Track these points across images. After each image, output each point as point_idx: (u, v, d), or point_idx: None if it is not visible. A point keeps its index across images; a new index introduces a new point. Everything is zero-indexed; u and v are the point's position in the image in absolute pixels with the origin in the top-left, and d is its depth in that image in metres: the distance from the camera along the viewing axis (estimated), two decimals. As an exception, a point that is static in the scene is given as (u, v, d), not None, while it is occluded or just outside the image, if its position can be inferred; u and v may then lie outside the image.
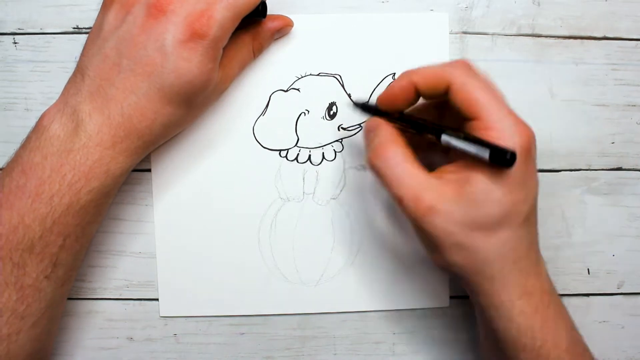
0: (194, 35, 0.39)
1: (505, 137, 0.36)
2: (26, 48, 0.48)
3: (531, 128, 0.38)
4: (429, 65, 0.40)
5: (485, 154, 0.35)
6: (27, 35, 0.47)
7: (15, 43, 0.47)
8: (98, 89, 0.40)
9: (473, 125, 0.38)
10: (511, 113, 0.38)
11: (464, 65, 0.39)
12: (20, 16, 0.47)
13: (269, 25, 0.46)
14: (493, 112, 0.37)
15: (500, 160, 0.35)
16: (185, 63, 0.39)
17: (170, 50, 0.39)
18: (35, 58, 0.48)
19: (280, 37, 0.47)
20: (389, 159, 0.39)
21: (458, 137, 0.37)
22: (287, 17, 0.46)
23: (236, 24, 0.41)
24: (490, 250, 0.38)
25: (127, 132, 0.40)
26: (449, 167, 0.39)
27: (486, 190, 0.37)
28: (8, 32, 0.47)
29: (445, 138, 0.38)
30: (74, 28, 0.48)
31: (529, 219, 0.39)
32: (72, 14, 0.47)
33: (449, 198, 0.37)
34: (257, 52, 0.46)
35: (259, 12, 0.43)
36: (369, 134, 0.42)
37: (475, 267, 0.39)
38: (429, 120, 0.42)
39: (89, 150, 0.39)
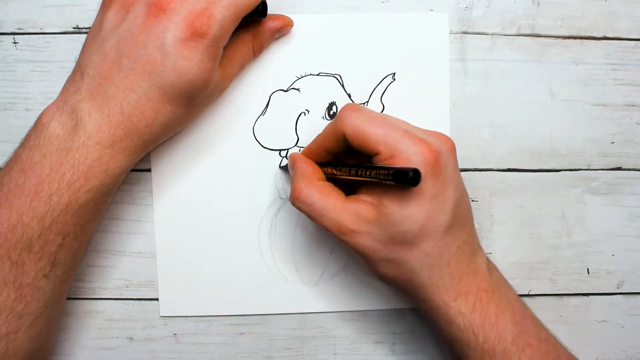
0: (194, 34, 0.39)
1: (408, 159, 0.38)
2: (26, 48, 0.47)
3: (441, 139, 0.41)
4: (319, 135, 0.44)
5: (389, 180, 0.37)
6: (27, 35, 0.47)
7: (15, 43, 0.47)
8: (98, 87, 0.40)
9: (377, 159, 0.39)
10: (407, 134, 0.39)
11: (350, 110, 0.41)
12: (20, 16, 0.47)
13: (269, 24, 0.45)
14: (388, 141, 0.39)
15: (405, 180, 0.36)
16: (186, 62, 0.39)
17: (171, 49, 0.39)
18: (35, 58, 0.47)
19: (280, 37, 0.47)
20: (306, 197, 0.41)
21: (366, 175, 0.39)
22: (287, 16, 0.46)
23: (236, 23, 0.41)
24: (415, 261, 0.40)
25: (126, 130, 0.40)
26: (364, 191, 0.41)
27: (399, 210, 0.39)
28: (8, 32, 0.47)
29: (358, 174, 0.40)
30: (74, 28, 0.47)
31: (453, 226, 0.40)
32: (72, 14, 0.47)
33: (368, 220, 0.40)
34: (257, 51, 0.46)
35: (260, 12, 0.43)
36: (290, 169, 0.45)
37: (405, 278, 0.41)
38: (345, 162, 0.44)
39: (88, 149, 0.39)
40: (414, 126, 0.41)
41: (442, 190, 0.39)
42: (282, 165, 0.48)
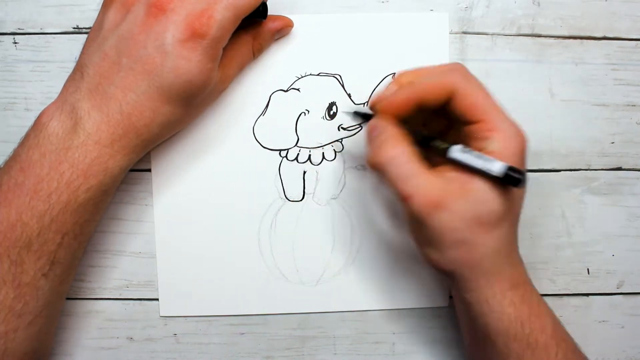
0: (194, 35, 0.39)
1: (508, 139, 0.38)
2: (26, 48, 0.47)
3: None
4: (427, 74, 0.41)
5: (498, 173, 0.37)
6: (27, 35, 0.47)
7: (15, 43, 0.47)
8: (97, 87, 0.40)
9: (474, 127, 0.39)
10: (508, 117, 0.39)
11: (462, 70, 0.40)
12: (20, 16, 0.47)
13: (269, 25, 0.45)
14: (495, 115, 0.39)
15: (512, 180, 0.36)
16: (185, 62, 0.39)
17: (170, 49, 0.39)
18: (35, 58, 0.47)
19: (280, 38, 0.47)
20: (395, 157, 0.39)
21: (468, 154, 0.38)
22: (287, 17, 0.46)
23: (236, 24, 0.41)
24: (489, 246, 0.39)
25: (125, 130, 0.40)
26: (448, 167, 0.40)
27: (488, 189, 0.38)
28: (8, 32, 0.47)
29: (454, 155, 0.39)
30: (74, 28, 0.47)
31: (519, 214, 0.41)
32: (72, 14, 0.47)
33: (454, 195, 0.38)
34: (257, 52, 0.46)
35: (260, 13, 0.43)
36: (373, 132, 0.42)
37: (473, 262, 0.39)
38: (424, 129, 0.43)
39: (88, 148, 0.39)
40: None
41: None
42: (358, 112, 0.45)
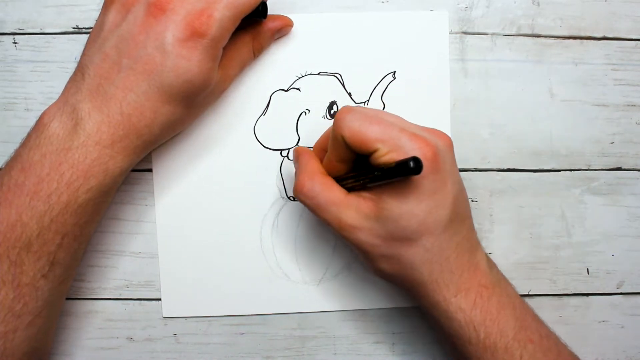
0: (194, 34, 0.39)
1: (406, 154, 0.37)
2: (26, 48, 0.47)
3: (437, 136, 0.40)
4: (320, 139, 0.44)
5: (395, 175, 0.37)
6: (27, 35, 0.47)
7: (15, 43, 0.47)
8: (98, 87, 0.40)
9: (376, 156, 0.38)
10: (404, 130, 0.38)
11: (341, 112, 0.40)
12: (20, 16, 0.47)
13: (269, 25, 0.45)
14: (385, 138, 0.38)
15: (408, 170, 0.36)
16: (185, 62, 0.39)
17: (170, 49, 0.38)
18: (35, 58, 0.47)
19: (280, 37, 0.47)
20: (309, 191, 0.41)
21: (375, 180, 0.38)
22: (287, 17, 0.46)
23: (236, 23, 0.41)
24: (415, 258, 0.40)
25: (126, 131, 0.39)
26: (364, 189, 0.41)
27: (398, 205, 0.38)
28: (8, 32, 0.47)
29: (369, 187, 0.40)
30: (74, 28, 0.47)
31: (452, 221, 0.40)
32: (72, 14, 0.47)
33: (368, 215, 0.39)
34: (258, 52, 0.46)
35: (260, 13, 0.43)
36: (295, 163, 0.45)
37: (405, 275, 0.40)
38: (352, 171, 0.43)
39: (88, 148, 0.39)
40: (410, 123, 0.41)
41: (441, 186, 0.39)
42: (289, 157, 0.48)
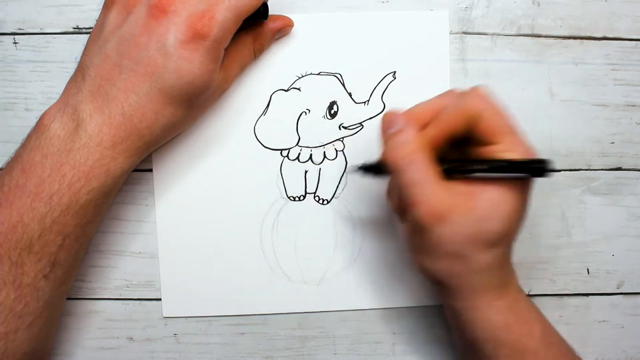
0: (196, 36, 0.38)
1: (524, 155, 0.38)
2: (26, 48, 0.47)
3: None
4: (443, 103, 0.41)
5: (524, 171, 0.37)
6: (27, 35, 0.47)
7: (15, 43, 0.47)
8: (99, 88, 0.39)
9: (490, 149, 0.39)
10: (525, 140, 0.39)
11: (483, 92, 0.39)
12: (20, 16, 0.47)
13: (269, 25, 0.45)
14: (512, 137, 0.39)
15: (538, 171, 0.36)
16: (187, 63, 0.39)
17: (172, 50, 0.38)
18: (35, 58, 0.47)
19: (281, 37, 0.47)
20: (413, 161, 0.38)
21: (496, 170, 0.38)
22: (287, 17, 0.46)
23: (238, 25, 0.41)
24: (483, 263, 0.39)
25: (127, 132, 0.39)
26: (458, 180, 0.39)
27: (495, 207, 0.38)
28: (8, 32, 0.47)
29: (473, 175, 0.39)
30: (74, 28, 0.47)
31: (517, 235, 0.40)
32: (72, 14, 0.47)
33: (459, 210, 0.38)
34: (258, 52, 0.46)
35: (261, 14, 0.43)
36: (389, 126, 0.41)
37: (464, 276, 0.40)
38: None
39: (89, 150, 0.39)
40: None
41: (529, 200, 0.40)
42: (361, 166, 0.44)
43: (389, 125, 0.40)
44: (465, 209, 0.38)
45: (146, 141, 0.41)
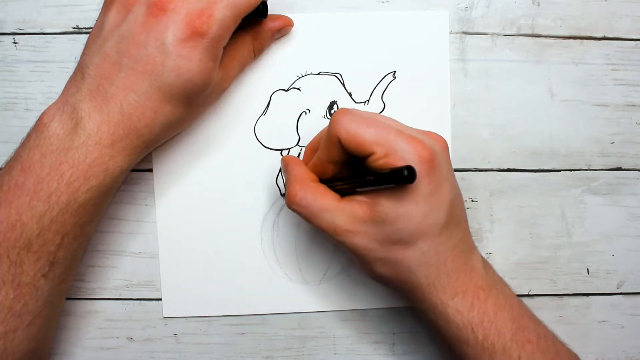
0: (194, 34, 0.38)
1: (403, 158, 0.37)
2: (26, 48, 0.47)
3: (434, 139, 0.40)
4: (320, 149, 0.42)
5: (388, 182, 0.37)
6: (27, 35, 0.47)
7: (15, 43, 0.47)
8: (98, 87, 0.39)
9: (372, 159, 0.38)
10: (400, 133, 0.38)
11: (338, 114, 0.40)
12: (20, 16, 0.47)
13: (269, 25, 0.45)
14: (382, 141, 0.38)
15: (401, 179, 0.35)
16: (186, 62, 0.39)
17: (171, 48, 0.38)
18: (35, 58, 0.47)
19: (280, 37, 0.47)
20: (301, 200, 0.40)
21: (366, 184, 0.38)
22: (287, 16, 0.46)
23: (237, 23, 0.41)
24: (412, 261, 0.39)
25: (126, 130, 0.39)
26: (358, 192, 0.40)
27: (395, 209, 0.38)
28: (8, 32, 0.47)
29: (359, 191, 0.40)
30: (74, 28, 0.47)
31: (449, 224, 0.40)
32: (72, 14, 0.47)
33: (363, 219, 0.39)
34: (258, 52, 0.46)
35: (260, 12, 0.43)
36: (284, 173, 0.44)
37: (401, 277, 0.40)
38: (342, 174, 0.43)
39: (88, 148, 0.39)
40: (406, 126, 0.41)
41: (438, 189, 0.39)
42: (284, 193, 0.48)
43: (282, 169, 0.45)
44: (367, 217, 0.39)
45: (145, 140, 0.41)
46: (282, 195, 0.48)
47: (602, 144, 0.50)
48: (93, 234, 0.45)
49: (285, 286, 0.49)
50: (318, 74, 0.48)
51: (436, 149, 0.39)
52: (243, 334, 0.49)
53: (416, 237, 0.39)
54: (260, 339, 0.49)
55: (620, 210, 0.50)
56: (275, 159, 0.48)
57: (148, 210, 0.48)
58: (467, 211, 0.44)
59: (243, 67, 0.46)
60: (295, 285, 0.49)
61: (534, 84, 0.49)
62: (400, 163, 0.37)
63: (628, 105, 0.49)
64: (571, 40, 0.49)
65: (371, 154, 0.38)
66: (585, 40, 0.49)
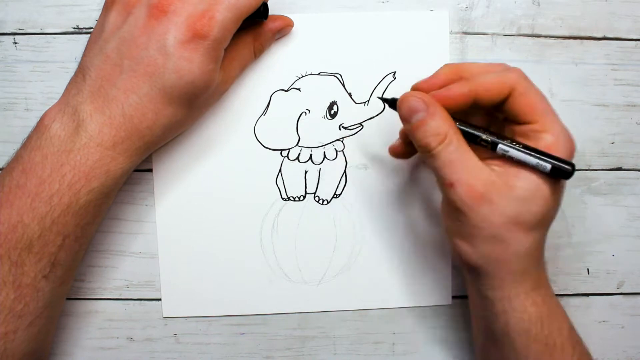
0: (195, 36, 0.38)
1: (559, 142, 0.38)
2: (26, 48, 0.47)
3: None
4: (482, 71, 0.41)
5: (546, 166, 0.37)
6: (27, 35, 0.47)
7: (15, 43, 0.47)
8: (99, 89, 0.39)
9: (526, 128, 0.39)
10: (561, 122, 0.39)
11: (520, 72, 0.40)
12: (20, 16, 0.47)
13: (269, 25, 0.45)
14: (550, 118, 0.39)
15: (562, 172, 0.36)
16: (187, 63, 0.39)
17: (172, 50, 0.38)
18: (35, 58, 0.47)
19: (281, 38, 0.47)
20: (447, 141, 0.38)
21: (516, 148, 0.38)
22: (287, 17, 0.46)
23: (238, 24, 0.41)
24: (522, 246, 0.38)
25: (128, 132, 0.39)
26: (495, 160, 0.39)
27: (535, 189, 0.38)
28: (8, 32, 0.47)
29: (502, 148, 0.38)
30: (74, 28, 0.47)
31: (552, 222, 0.40)
32: (72, 14, 0.47)
33: (499, 190, 0.38)
34: (259, 52, 0.46)
35: (261, 14, 0.43)
36: (416, 110, 0.39)
37: (503, 260, 0.39)
38: (474, 124, 0.41)
39: (90, 150, 0.39)
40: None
41: (562, 188, 0.40)
42: (383, 97, 0.44)
43: (410, 112, 0.39)
44: (505, 189, 0.38)
45: (147, 141, 0.41)
46: (282, 197, 0.48)
47: (602, 144, 0.50)
48: (93, 236, 0.45)
49: (284, 286, 0.49)
50: (318, 74, 0.48)
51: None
52: (243, 334, 0.49)
53: (541, 223, 0.38)
54: (260, 339, 0.49)
55: (620, 210, 0.50)
56: (275, 159, 0.48)
57: (148, 211, 0.48)
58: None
59: (243, 67, 0.46)
60: (295, 285, 0.49)
61: (534, 84, 0.49)
62: (553, 144, 0.38)
63: (628, 105, 0.49)
64: (571, 40, 0.49)
65: (532, 122, 0.38)
66: (585, 40, 0.49)
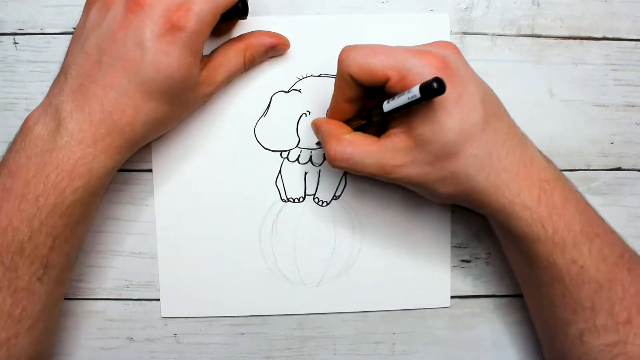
0: (172, 28, 0.38)
1: (419, 74, 0.37)
2: (26, 48, 0.47)
3: (442, 46, 0.40)
4: (333, 92, 0.42)
5: (416, 94, 0.35)
6: (27, 35, 0.46)
7: (15, 43, 0.47)
8: (80, 87, 0.39)
9: (389, 85, 0.38)
10: (409, 51, 0.38)
11: (345, 50, 0.40)
12: (20, 16, 0.46)
13: (264, 39, 0.45)
14: (394, 64, 0.38)
15: (432, 92, 0.35)
16: (164, 57, 0.38)
17: (149, 44, 0.38)
18: (35, 58, 0.47)
19: (275, 56, 0.47)
20: (341, 154, 0.40)
21: (391, 99, 0.38)
22: (284, 36, 0.46)
23: (216, 18, 0.40)
24: (468, 168, 0.38)
25: (108, 129, 0.39)
26: (392, 125, 0.40)
27: (431, 127, 0.37)
28: (8, 32, 0.46)
29: (386, 106, 0.38)
30: (74, 28, 0.46)
31: (488, 120, 0.38)
32: (72, 14, 0.46)
33: (406, 149, 0.38)
34: (249, 63, 0.45)
35: (239, 12, 0.42)
36: (317, 136, 0.44)
37: (464, 189, 0.39)
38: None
39: (71, 148, 0.38)
40: (412, 46, 0.40)
41: (464, 90, 0.37)
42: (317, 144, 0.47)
43: (315, 133, 0.45)
44: (408, 146, 0.39)
45: (128, 139, 0.40)
46: (282, 198, 0.48)
47: (602, 144, 0.49)
48: (92, 234, 0.45)
49: (283, 287, 0.48)
50: (319, 75, 0.47)
51: (447, 54, 0.38)
52: (243, 334, 0.49)
53: (461, 144, 0.38)
54: (260, 339, 0.49)
55: (620, 210, 0.50)
56: (275, 161, 0.47)
57: (147, 211, 0.47)
58: (467, 210, 0.44)
59: (230, 75, 0.45)
60: (294, 286, 0.48)
61: (534, 84, 0.48)
62: (418, 80, 0.36)
63: (628, 106, 0.49)
64: (571, 40, 0.48)
65: (387, 80, 0.38)
66: (585, 40, 0.48)
